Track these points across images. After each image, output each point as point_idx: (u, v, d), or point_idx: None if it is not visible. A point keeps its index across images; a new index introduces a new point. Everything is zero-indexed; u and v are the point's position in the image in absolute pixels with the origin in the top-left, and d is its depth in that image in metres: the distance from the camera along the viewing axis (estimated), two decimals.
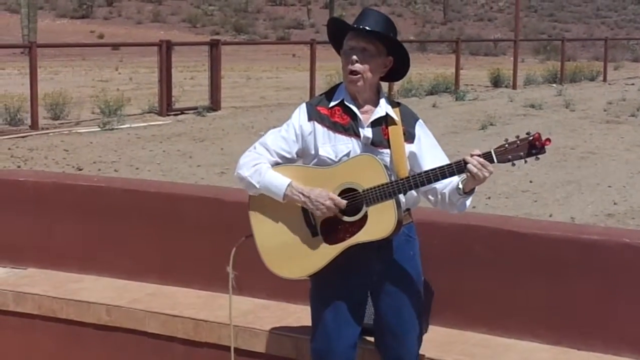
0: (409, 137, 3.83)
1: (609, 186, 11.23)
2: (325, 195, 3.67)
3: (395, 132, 3.80)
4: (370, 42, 3.75)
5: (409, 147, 3.81)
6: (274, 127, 4.04)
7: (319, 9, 63.77)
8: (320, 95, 3.95)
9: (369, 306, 3.98)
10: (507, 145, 3.58)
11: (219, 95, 20.14)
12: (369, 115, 3.82)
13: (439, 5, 70.20)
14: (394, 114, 3.83)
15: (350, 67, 3.75)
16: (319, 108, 3.84)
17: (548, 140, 3.55)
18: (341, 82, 3.91)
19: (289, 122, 3.87)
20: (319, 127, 3.81)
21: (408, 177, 3.67)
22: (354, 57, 3.74)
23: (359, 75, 3.76)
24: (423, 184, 3.65)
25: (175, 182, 9.56)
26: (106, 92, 20.90)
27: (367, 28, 3.72)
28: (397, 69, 3.88)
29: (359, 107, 3.81)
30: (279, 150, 3.83)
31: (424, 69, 33.07)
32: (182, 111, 19.34)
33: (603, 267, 4.53)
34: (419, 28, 61.92)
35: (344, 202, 3.67)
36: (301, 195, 3.71)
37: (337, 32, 3.87)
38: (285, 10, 66.51)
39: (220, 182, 10.69)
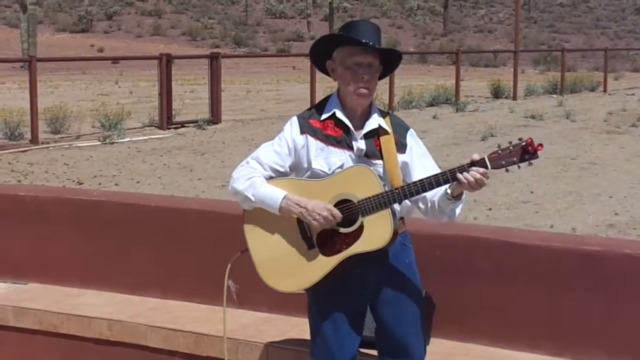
0: (401, 147, 3.82)
1: (610, 197, 11.22)
2: (322, 207, 3.65)
3: (388, 143, 3.79)
4: (375, 56, 3.73)
5: (401, 157, 3.80)
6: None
7: (318, 22, 63.92)
8: (311, 108, 3.93)
9: (369, 319, 3.96)
10: (500, 152, 3.59)
11: (220, 108, 20.15)
12: (361, 127, 3.80)
13: (439, 17, 70.35)
14: (385, 124, 3.82)
15: (362, 84, 3.71)
16: (311, 121, 3.81)
17: (540, 145, 3.55)
18: (331, 94, 3.88)
19: (281, 135, 3.84)
20: (312, 140, 3.78)
21: (403, 186, 3.66)
22: (364, 75, 3.71)
23: (368, 92, 3.74)
24: (418, 193, 3.64)
25: (175, 196, 9.58)
26: (106, 105, 20.90)
27: (375, 45, 3.69)
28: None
29: (350, 119, 3.80)
30: (272, 164, 3.80)
31: (424, 80, 33.16)
32: (182, 124, 19.35)
33: (604, 278, 4.52)
34: (419, 40, 62.05)
35: (340, 214, 3.65)
36: (297, 207, 3.68)
37: (331, 47, 3.80)
38: (285, 22, 66.67)
39: (221, 195, 10.67)
